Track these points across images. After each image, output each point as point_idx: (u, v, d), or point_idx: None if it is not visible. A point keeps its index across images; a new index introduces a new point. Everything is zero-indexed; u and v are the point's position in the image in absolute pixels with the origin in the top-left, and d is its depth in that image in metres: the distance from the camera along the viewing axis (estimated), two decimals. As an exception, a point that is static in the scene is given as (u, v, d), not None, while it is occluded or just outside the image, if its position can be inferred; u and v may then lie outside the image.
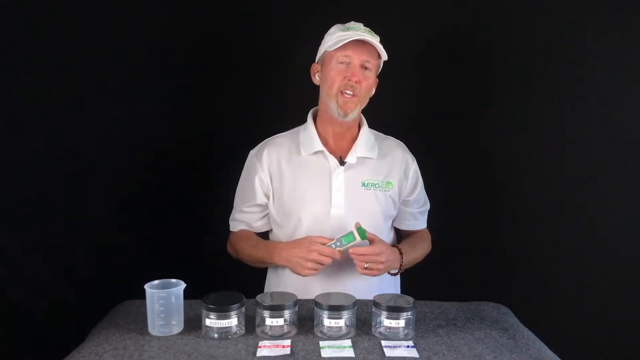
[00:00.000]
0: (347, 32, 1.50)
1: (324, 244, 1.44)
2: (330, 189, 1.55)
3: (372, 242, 1.48)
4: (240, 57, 2.00)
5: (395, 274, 1.61)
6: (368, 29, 1.53)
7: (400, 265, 1.56)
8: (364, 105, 1.56)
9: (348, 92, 1.50)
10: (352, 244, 1.43)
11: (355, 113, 1.54)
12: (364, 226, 1.49)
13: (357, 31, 1.50)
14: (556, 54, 1.99)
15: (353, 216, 1.53)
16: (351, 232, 1.43)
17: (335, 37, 1.51)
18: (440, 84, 2.05)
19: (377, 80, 1.60)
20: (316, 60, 1.61)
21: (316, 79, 1.60)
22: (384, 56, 1.52)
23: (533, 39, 2.00)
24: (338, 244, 1.44)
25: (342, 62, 1.51)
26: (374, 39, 1.50)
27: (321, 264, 1.44)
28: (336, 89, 1.51)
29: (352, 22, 1.55)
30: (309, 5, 1.95)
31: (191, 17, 1.98)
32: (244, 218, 1.67)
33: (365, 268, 1.45)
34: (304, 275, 1.47)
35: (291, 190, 1.57)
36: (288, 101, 1.92)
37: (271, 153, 1.61)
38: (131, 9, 1.92)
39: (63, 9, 1.88)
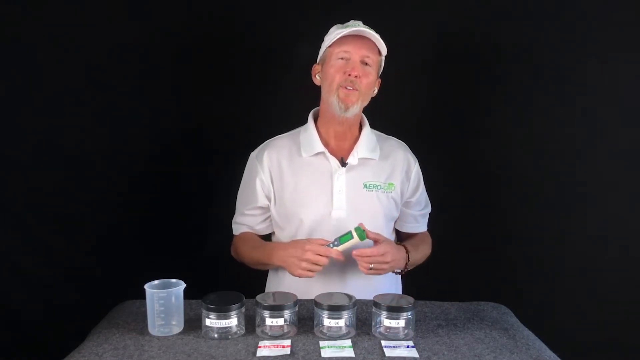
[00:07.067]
0: (346, 29, 1.49)
1: (322, 245, 1.43)
2: (332, 191, 1.54)
3: (376, 242, 1.46)
4: (240, 57, 2.00)
5: (399, 273, 1.61)
6: (367, 26, 1.52)
7: (406, 264, 1.55)
8: (365, 103, 1.55)
9: (348, 87, 1.49)
10: (349, 243, 1.41)
11: (356, 108, 1.52)
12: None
13: (357, 27, 1.49)
14: (560, 56, 1.99)
15: (355, 218, 1.53)
16: (349, 232, 1.42)
17: (335, 34, 1.51)
18: (443, 85, 2.05)
19: (380, 80, 1.59)
20: (317, 61, 1.60)
21: (317, 80, 1.59)
22: (384, 50, 1.51)
23: (538, 40, 2.00)
24: (336, 243, 1.43)
25: (341, 58, 1.50)
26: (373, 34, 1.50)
27: (317, 264, 1.42)
28: (336, 84, 1.50)
29: (351, 21, 1.54)
30: (310, 5, 1.95)
31: (191, 17, 1.98)
32: (246, 221, 1.66)
33: (370, 269, 1.44)
34: (297, 276, 1.45)
35: (292, 192, 1.57)
36: (289, 101, 1.92)
37: (271, 155, 1.60)
38: (131, 8, 1.92)
39: (62, 9, 1.88)
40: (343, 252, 1.43)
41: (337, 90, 1.50)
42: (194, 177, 2.04)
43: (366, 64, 1.51)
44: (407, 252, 1.55)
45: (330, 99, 1.52)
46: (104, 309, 1.45)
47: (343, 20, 1.56)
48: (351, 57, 1.49)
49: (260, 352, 1.17)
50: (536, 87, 2.02)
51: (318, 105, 1.63)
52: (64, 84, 1.92)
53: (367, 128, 1.62)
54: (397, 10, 1.96)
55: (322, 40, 1.58)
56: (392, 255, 1.46)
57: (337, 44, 1.49)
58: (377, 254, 1.42)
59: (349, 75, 1.48)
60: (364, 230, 1.42)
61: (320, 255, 1.42)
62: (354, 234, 1.41)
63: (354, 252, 1.42)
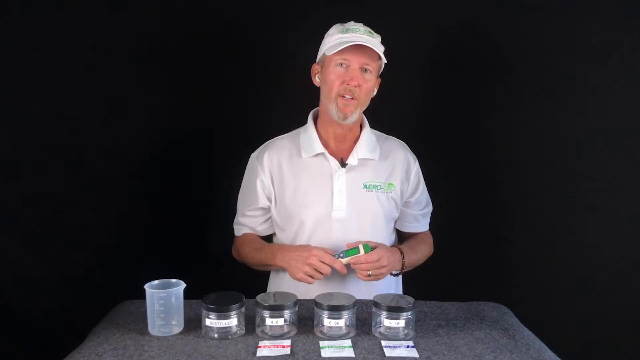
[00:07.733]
0: (346, 35, 1.48)
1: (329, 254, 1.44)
2: (332, 191, 1.54)
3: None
4: (240, 57, 2.00)
5: (396, 275, 1.61)
6: (368, 28, 1.51)
7: (403, 265, 1.56)
8: (364, 107, 1.55)
9: (347, 96, 1.49)
10: (355, 256, 1.43)
11: (355, 116, 1.52)
12: (366, 228, 1.51)
13: (357, 33, 1.48)
14: (560, 56, 1.99)
15: (355, 218, 1.53)
16: (357, 247, 1.43)
17: (335, 39, 1.49)
18: (443, 85, 2.05)
19: (379, 79, 1.59)
20: (316, 61, 1.60)
21: (316, 81, 1.59)
22: (384, 59, 1.50)
23: (538, 40, 1.99)
24: (342, 255, 1.44)
25: (340, 65, 1.49)
26: (374, 40, 1.48)
27: (319, 272, 1.42)
28: (335, 93, 1.49)
29: (352, 23, 1.53)
30: (310, 5, 1.95)
31: (191, 17, 1.98)
32: (248, 222, 1.66)
33: (369, 275, 1.44)
34: (297, 280, 1.45)
35: (293, 193, 1.57)
36: (289, 101, 1.92)
37: (272, 156, 1.60)
38: (132, 8, 1.92)
39: (62, 8, 1.88)
40: (346, 266, 1.44)
41: (336, 99, 1.50)
42: (194, 177, 2.04)
43: (365, 70, 1.50)
44: (401, 253, 1.55)
45: (329, 106, 1.52)
46: (104, 309, 1.45)
47: (343, 20, 1.55)
48: (350, 65, 1.48)
49: (260, 352, 1.17)
50: (536, 87, 2.02)
51: (318, 105, 1.63)
52: (64, 84, 1.91)
53: (367, 128, 1.62)
54: (397, 10, 1.95)
55: (322, 39, 1.57)
56: (387, 259, 1.46)
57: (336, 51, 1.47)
58: (372, 261, 1.43)
59: (348, 84, 1.48)
60: (372, 248, 1.44)
61: (324, 263, 1.42)
62: (362, 250, 1.43)
63: (351, 261, 1.43)
